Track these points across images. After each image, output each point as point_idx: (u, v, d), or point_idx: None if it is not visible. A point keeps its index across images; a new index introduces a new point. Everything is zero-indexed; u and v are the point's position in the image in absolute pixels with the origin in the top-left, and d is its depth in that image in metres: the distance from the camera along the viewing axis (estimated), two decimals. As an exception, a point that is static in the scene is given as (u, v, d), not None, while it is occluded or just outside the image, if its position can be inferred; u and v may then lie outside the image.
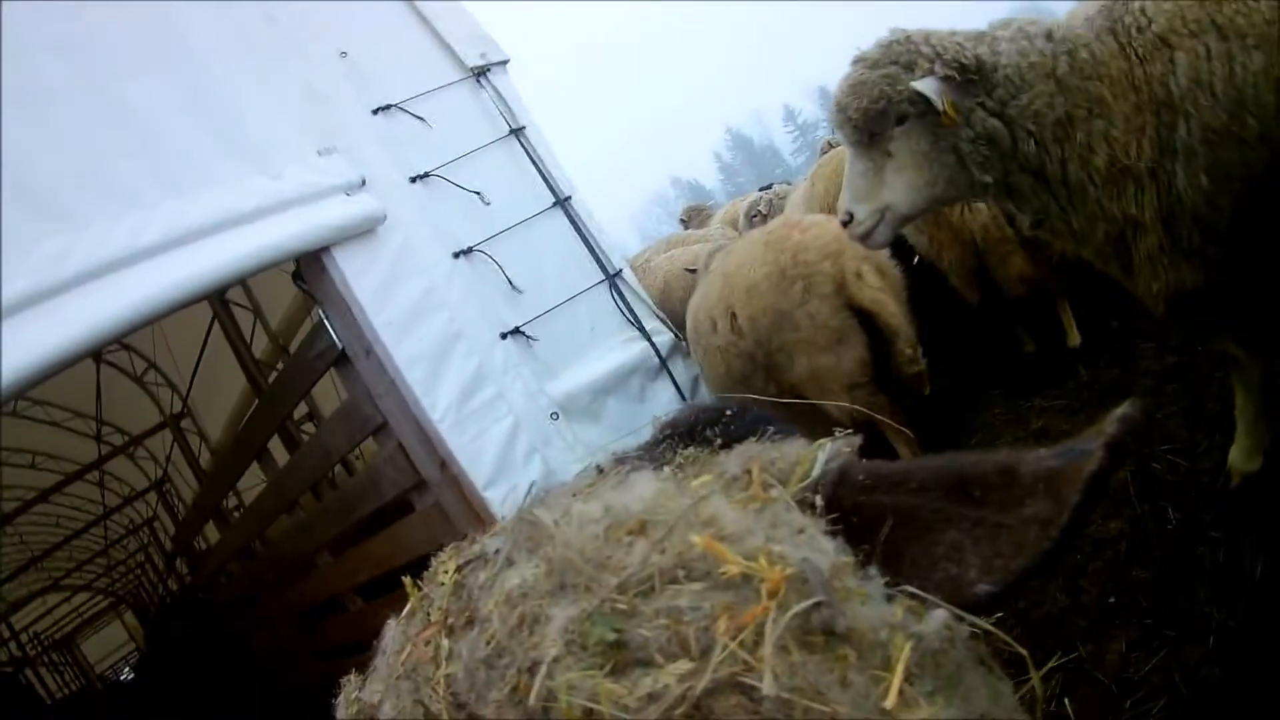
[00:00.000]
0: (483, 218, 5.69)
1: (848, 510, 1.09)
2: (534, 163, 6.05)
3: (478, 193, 5.69)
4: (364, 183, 5.36)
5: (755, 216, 6.61)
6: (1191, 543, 3.69)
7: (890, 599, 0.97)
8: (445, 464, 5.13)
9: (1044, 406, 5.39)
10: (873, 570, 0.99)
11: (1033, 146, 3.13)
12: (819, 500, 1.10)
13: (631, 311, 5.85)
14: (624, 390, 5.76)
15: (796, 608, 0.89)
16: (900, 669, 0.87)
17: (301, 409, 8.63)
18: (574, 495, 1.17)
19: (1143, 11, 3.14)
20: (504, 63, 6.28)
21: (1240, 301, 3.26)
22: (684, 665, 0.86)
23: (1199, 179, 3.02)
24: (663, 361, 5.89)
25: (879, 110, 3.22)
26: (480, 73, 6.14)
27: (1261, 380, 3.60)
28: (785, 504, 1.06)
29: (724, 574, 0.92)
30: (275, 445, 8.33)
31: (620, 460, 1.43)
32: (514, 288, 5.58)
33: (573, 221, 6.01)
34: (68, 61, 4.75)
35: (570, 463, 5.25)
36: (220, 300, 8.17)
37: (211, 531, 12.31)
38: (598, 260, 5.97)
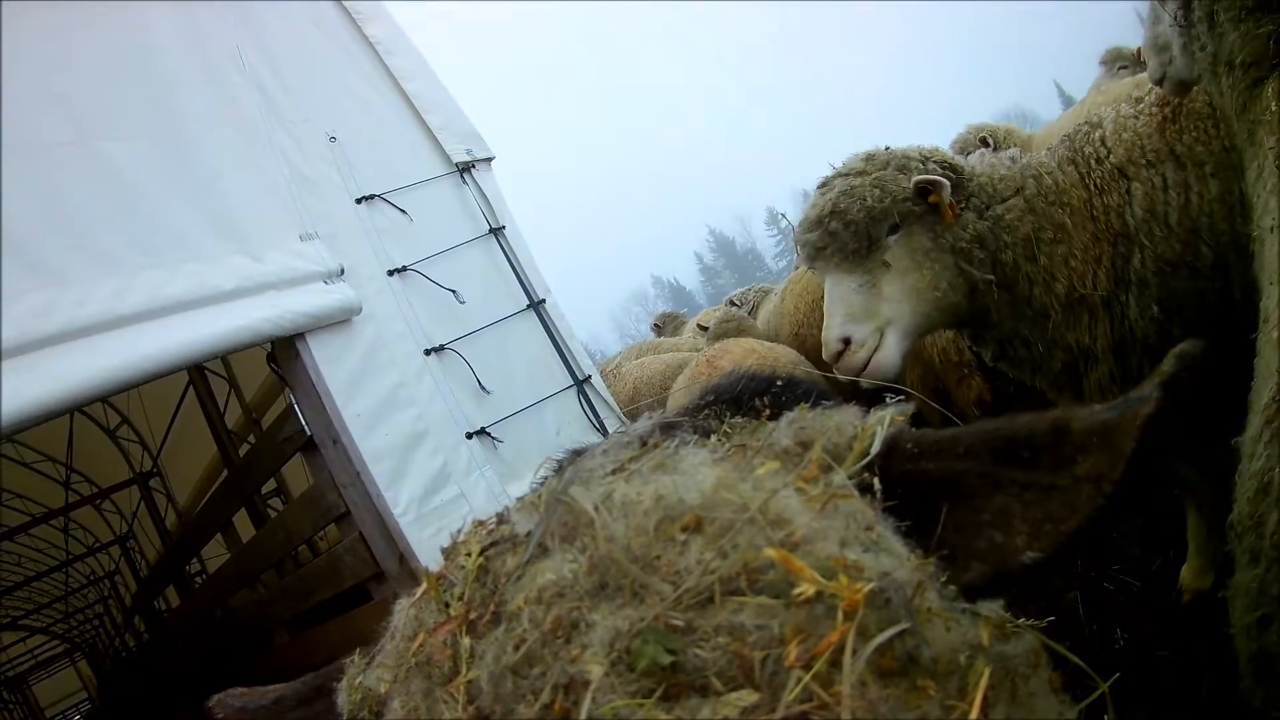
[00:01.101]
0: (457, 315, 5.71)
1: (894, 480, 1.02)
2: (511, 263, 6.10)
3: (454, 290, 5.72)
4: (343, 272, 5.40)
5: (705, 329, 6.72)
6: (1139, 662, 3.70)
7: (975, 617, 0.89)
8: (404, 558, 5.10)
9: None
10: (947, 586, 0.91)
11: (1010, 256, 3.17)
12: (877, 482, 1.02)
13: (598, 418, 5.86)
14: (588, 496, 5.69)
15: (879, 638, 0.79)
16: (979, 699, 0.79)
17: (270, 484, 8.59)
18: (614, 471, 1.04)
19: (1102, 142, 3.24)
20: (489, 160, 6.38)
21: (1191, 428, 3.30)
22: (748, 696, 0.76)
23: (1151, 309, 3.08)
24: (628, 468, 5.84)
25: (880, 211, 3.13)
26: (465, 169, 6.22)
27: (1213, 500, 3.62)
28: (848, 491, 0.97)
29: (799, 594, 0.81)
30: (241, 518, 8.29)
31: (667, 426, 1.27)
32: (483, 388, 5.59)
33: (545, 325, 6.04)
34: (61, 115, 4.81)
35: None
36: (197, 368, 8.17)
37: (172, 593, 12.19)
38: (568, 365, 5.98)
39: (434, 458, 5.25)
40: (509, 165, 6.29)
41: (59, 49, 4.94)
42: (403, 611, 1.07)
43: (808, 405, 1.19)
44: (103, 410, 12.09)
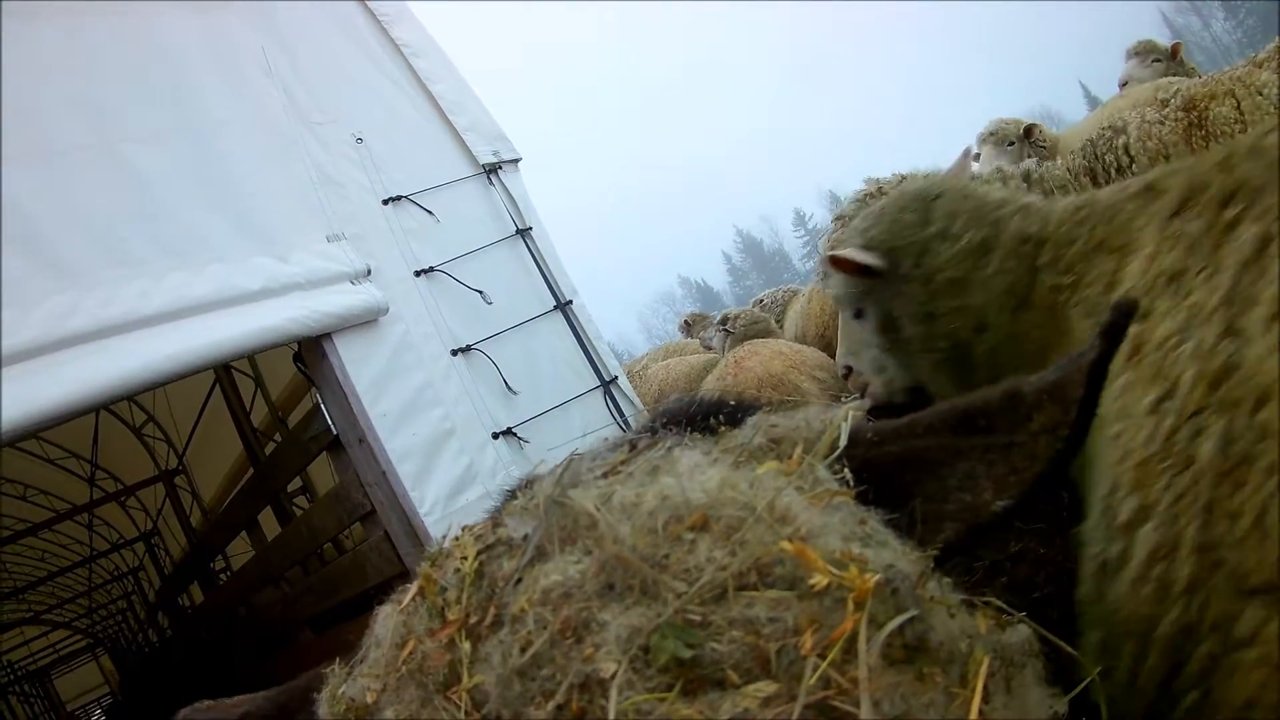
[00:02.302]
0: (483, 316, 5.75)
1: (860, 468, 1.07)
2: (538, 264, 6.13)
3: (480, 291, 5.75)
4: (369, 272, 5.44)
5: (722, 328, 6.67)
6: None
7: (973, 607, 0.93)
8: (431, 558, 5.13)
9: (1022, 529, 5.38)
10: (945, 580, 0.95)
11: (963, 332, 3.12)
12: (848, 472, 1.06)
13: (625, 419, 5.87)
14: (613, 496, 5.70)
15: (891, 624, 0.82)
16: (980, 686, 0.82)
17: (296, 481, 8.63)
18: (606, 475, 1.06)
19: (1126, 150, 3.25)
20: (516, 161, 6.40)
21: None
22: (767, 687, 0.77)
23: None
24: (653, 470, 5.85)
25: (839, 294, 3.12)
26: (492, 170, 6.25)
27: None
28: (845, 490, 1.02)
29: (812, 585, 0.83)
30: (266, 516, 8.33)
31: (651, 431, 1.29)
32: (509, 389, 5.61)
33: (572, 326, 6.07)
34: (81, 120, 4.86)
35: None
36: (224, 367, 8.22)
37: (196, 590, 12.26)
38: (594, 365, 6.01)
39: (460, 458, 5.28)
40: (535, 165, 6.29)
41: (82, 53, 5.01)
42: (388, 618, 1.06)
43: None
44: (128, 408, 12.17)
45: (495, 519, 1.09)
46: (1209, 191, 1.63)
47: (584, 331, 6.07)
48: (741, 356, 4.99)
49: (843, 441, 1.10)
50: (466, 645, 0.92)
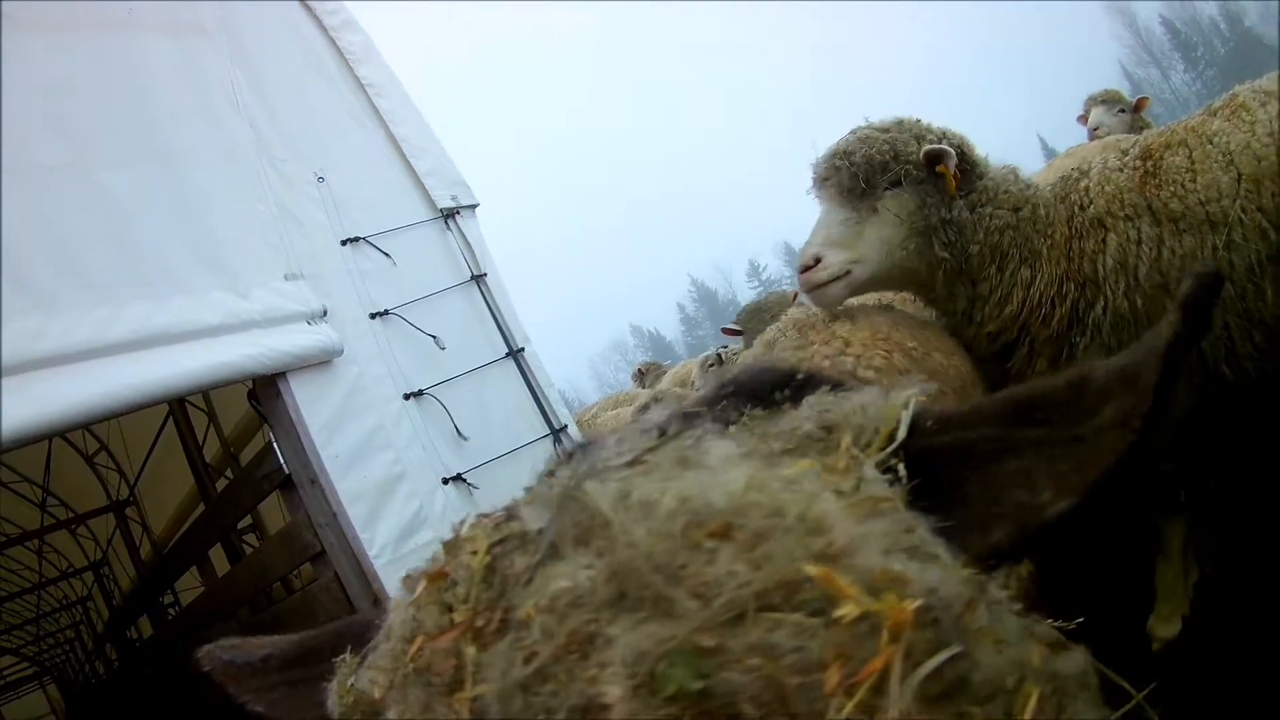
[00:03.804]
0: (436, 360, 5.78)
1: (913, 459, 0.96)
2: (491, 311, 6.18)
3: (434, 336, 5.79)
4: (325, 313, 5.46)
5: (710, 366, 6.72)
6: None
7: (1028, 634, 0.81)
8: (379, 599, 5.12)
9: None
10: (1001, 595, 0.83)
11: (977, 252, 3.42)
12: (902, 468, 0.95)
13: (573, 466, 5.90)
14: (563, 542, 5.72)
15: (928, 665, 0.72)
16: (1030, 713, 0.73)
17: (247, 519, 8.59)
18: (630, 464, 0.96)
19: (1086, 191, 3.43)
20: (473, 207, 6.46)
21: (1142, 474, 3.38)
22: None
23: (1097, 356, 3.18)
24: (602, 518, 5.88)
25: (882, 163, 3.37)
26: (450, 215, 6.31)
27: (1182, 545, 3.68)
28: (889, 495, 0.89)
29: (841, 615, 0.73)
30: (216, 552, 8.28)
31: (686, 416, 1.13)
32: (460, 435, 5.65)
33: (524, 373, 6.12)
34: (58, 140, 4.87)
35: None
36: (178, 400, 8.17)
37: (145, 623, 12.10)
38: (544, 413, 6.06)
39: (410, 501, 5.29)
40: (490, 209, 6.35)
41: (58, 73, 5.00)
42: (400, 609, 1.01)
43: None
44: (81, 436, 12.05)
45: (510, 509, 1.02)
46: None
47: (535, 379, 6.12)
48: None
49: (901, 433, 0.99)
50: (472, 650, 0.86)
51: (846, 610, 0.72)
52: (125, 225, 4.97)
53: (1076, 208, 3.45)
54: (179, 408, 8.30)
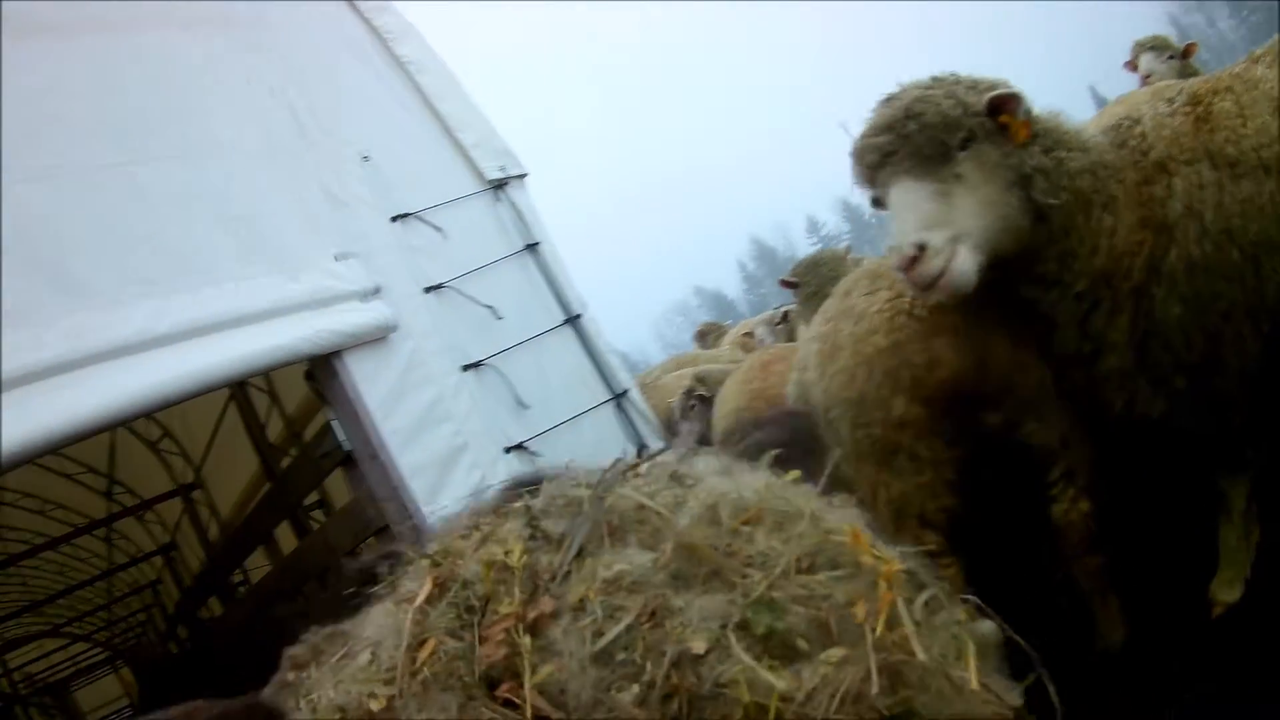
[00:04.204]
0: (493, 331, 5.81)
1: None
2: (546, 279, 6.18)
3: (490, 307, 5.81)
4: (378, 290, 5.50)
5: (778, 325, 6.66)
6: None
7: (955, 600, 1.08)
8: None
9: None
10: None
11: (1066, 200, 3.07)
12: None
13: (636, 432, 5.91)
14: (625, 508, 5.72)
15: (924, 595, 1.01)
16: (974, 659, 0.96)
17: (313, 495, 8.68)
18: (630, 484, 1.21)
19: (1143, 136, 3.23)
20: (522, 176, 6.44)
21: (1211, 431, 3.22)
22: (836, 652, 0.93)
23: (1175, 308, 3.06)
24: (665, 483, 5.86)
25: (954, 119, 3.00)
26: (499, 185, 6.30)
27: (1245, 507, 3.55)
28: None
29: (858, 566, 1.00)
30: (284, 529, 8.39)
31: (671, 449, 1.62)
32: (521, 403, 5.66)
33: (582, 339, 6.13)
34: (92, 141, 4.93)
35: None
36: (238, 383, 8.27)
37: (216, 603, 12.31)
38: (605, 379, 6.07)
39: (472, 472, 5.32)
40: (546, 173, 6.33)
41: (92, 74, 5.08)
42: (387, 617, 1.10)
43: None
44: (144, 423, 12.23)
45: (532, 519, 1.18)
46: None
47: (594, 345, 6.14)
48: (769, 360, 4.95)
49: None
50: (526, 640, 0.98)
51: (865, 562, 1.00)
52: (168, 219, 5.04)
53: (1138, 153, 3.25)
54: (240, 391, 8.40)
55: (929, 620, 0.98)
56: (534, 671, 0.93)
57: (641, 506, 1.11)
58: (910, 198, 3.02)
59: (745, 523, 1.05)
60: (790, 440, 2.19)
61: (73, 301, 4.50)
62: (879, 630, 0.92)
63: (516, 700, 0.93)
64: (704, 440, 5.69)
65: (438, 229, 5.91)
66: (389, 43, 6.47)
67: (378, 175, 5.97)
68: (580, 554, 1.03)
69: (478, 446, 5.42)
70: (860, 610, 0.94)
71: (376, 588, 1.80)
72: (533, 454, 5.55)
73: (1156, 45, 7.44)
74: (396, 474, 5.18)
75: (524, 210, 6.32)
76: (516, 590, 1.02)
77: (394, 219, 5.88)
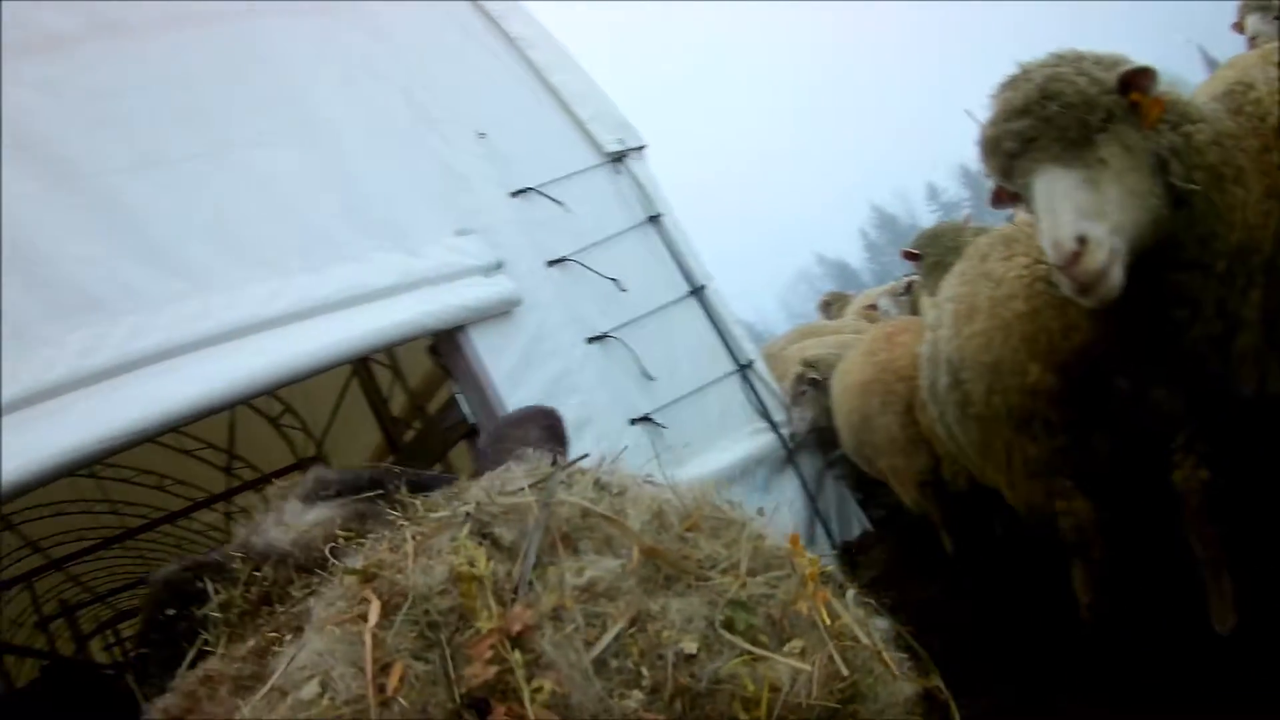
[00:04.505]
0: (617, 303, 5.82)
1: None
2: (670, 250, 6.17)
3: (614, 279, 5.82)
4: (501, 265, 5.55)
5: (901, 295, 6.56)
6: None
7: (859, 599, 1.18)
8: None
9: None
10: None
11: (1201, 178, 2.86)
12: None
13: (762, 403, 5.87)
14: (749, 480, 5.77)
15: (850, 591, 1.13)
16: (887, 656, 1.05)
17: (436, 468, 8.82)
18: (572, 490, 1.24)
19: (1258, 103, 3.03)
20: (641, 148, 6.42)
21: None
22: (797, 643, 0.99)
23: None
24: (790, 454, 5.90)
25: (1093, 99, 2.76)
26: (618, 158, 6.29)
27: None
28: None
29: (792, 568, 1.09)
30: (406, 503, 8.54)
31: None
32: (647, 375, 5.67)
33: (706, 310, 6.10)
34: (194, 128, 5.06)
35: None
36: (360, 359, 8.43)
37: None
38: (730, 350, 6.03)
39: (597, 445, 5.30)
40: (665, 145, 6.32)
41: (190, 64, 5.21)
42: (328, 641, 0.98)
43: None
44: (266, 401, 12.54)
45: (483, 528, 1.13)
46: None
47: (718, 316, 6.10)
48: (893, 331, 4.86)
49: None
50: (517, 655, 0.92)
51: (801, 565, 1.10)
52: (281, 201, 5.16)
53: (1255, 119, 3.01)
54: (362, 366, 8.55)
55: (856, 612, 1.07)
56: (536, 688, 0.88)
57: (586, 513, 1.12)
58: (1060, 186, 2.79)
59: (689, 529, 1.10)
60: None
61: (190, 285, 4.63)
62: (828, 621, 0.98)
63: (529, 710, 0.88)
64: (816, 426, 5.73)
65: (558, 203, 5.92)
66: (498, 20, 6.51)
67: (495, 151, 6.02)
68: (549, 560, 1.03)
69: (603, 419, 5.45)
70: (804, 606, 1.00)
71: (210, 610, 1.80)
72: (659, 426, 5.56)
73: (1263, 5, 7.13)
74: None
75: (644, 182, 6.30)
76: (492, 602, 0.97)
77: (514, 194, 5.92)
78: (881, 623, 1.14)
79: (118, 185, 4.70)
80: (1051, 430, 3.28)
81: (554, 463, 1.38)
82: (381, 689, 0.91)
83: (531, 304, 5.52)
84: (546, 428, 2.49)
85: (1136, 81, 2.78)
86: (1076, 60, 2.89)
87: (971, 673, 3.90)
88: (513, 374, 5.34)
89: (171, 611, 1.89)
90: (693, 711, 0.90)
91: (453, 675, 0.95)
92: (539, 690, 0.89)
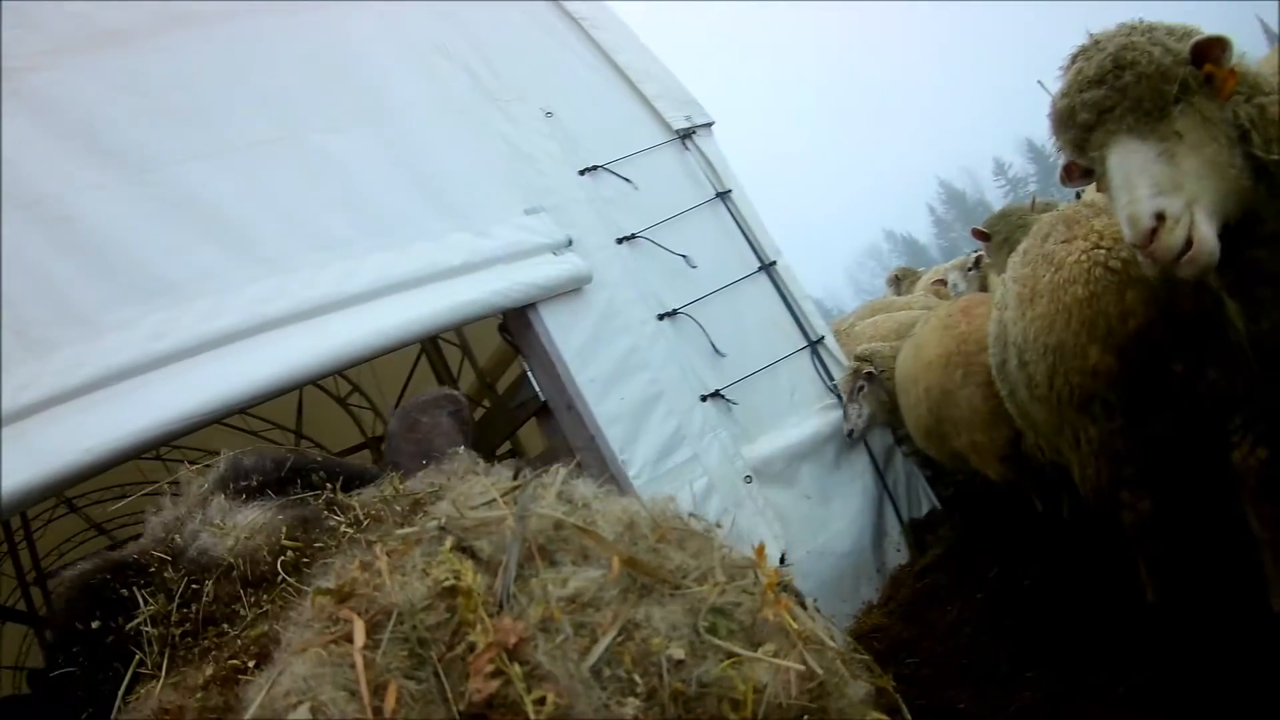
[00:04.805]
0: (687, 280, 5.83)
1: None
2: (739, 226, 6.16)
3: (684, 256, 5.83)
4: (570, 242, 5.58)
5: (970, 270, 6.51)
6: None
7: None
8: (640, 520, 5.22)
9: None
10: None
11: (1277, 149, 2.77)
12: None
13: (832, 379, 5.86)
14: (818, 457, 5.77)
15: (809, 601, 1.17)
16: (844, 648, 1.10)
17: (505, 445, 8.90)
18: (544, 502, 1.20)
19: None
20: (709, 125, 6.42)
21: None
22: (770, 647, 1.00)
23: None
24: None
25: (1168, 68, 2.70)
26: (686, 135, 6.30)
27: None
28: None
29: (756, 577, 1.11)
30: (473, 480, 8.63)
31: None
32: (717, 351, 5.68)
33: (776, 286, 6.09)
34: (265, 114, 5.16)
35: (760, 526, 5.31)
36: (429, 338, 8.53)
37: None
38: (800, 326, 6.02)
39: (668, 421, 5.37)
40: (732, 121, 6.30)
41: (259, 52, 5.31)
42: (310, 664, 0.95)
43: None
44: (333, 380, 12.71)
45: (461, 542, 1.11)
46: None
47: (788, 292, 6.09)
48: (969, 304, 4.81)
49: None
50: (516, 668, 0.90)
51: (766, 574, 1.12)
52: (351, 184, 5.22)
53: None
54: (431, 345, 8.65)
55: (816, 619, 1.10)
56: (538, 700, 0.87)
57: (559, 525, 1.10)
58: (1136, 160, 2.73)
59: (660, 540, 1.10)
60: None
61: (259, 269, 4.71)
62: (795, 627, 1.00)
63: None
64: (873, 422, 5.64)
65: (627, 180, 5.95)
66: (561, 2, 6.55)
67: (562, 130, 6.06)
68: (530, 572, 1.02)
69: (673, 395, 5.46)
70: (769, 614, 1.02)
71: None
72: (729, 401, 5.57)
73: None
74: (593, 422, 5.26)
75: (713, 158, 6.30)
76: (484, 615, 0.94)
77: (582, 172, 5.96)
78: (836, 631, 1.19)
79: (189, 172, 4.80)
80: (1110, 412, 3.33)
81: (518, 475, 1.34)
82: (377, 711, 0.89)
83: (601, 281, 5.55)
84: (454, 414, 2.38)
85: (1209, 52, 2.71)
86: (1149, 30, 2.83)
87: (1038, 648, 3.94)
88: (583, 351, 5.38)
89: (96, 623, 1.64)
90: (685, 715, 0.93)
91: (451, 692, 0.92)
92: (541, 702, 0.88)
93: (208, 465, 1.92)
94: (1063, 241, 3.43)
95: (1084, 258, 3.32)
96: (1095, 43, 2.87)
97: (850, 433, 5.70)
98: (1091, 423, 3.42)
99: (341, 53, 5.57)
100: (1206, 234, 2.63)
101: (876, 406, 5.53)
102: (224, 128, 4.99)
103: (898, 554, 5.76)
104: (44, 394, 4.09)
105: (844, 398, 5.76)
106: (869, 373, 5.53)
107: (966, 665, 4.18)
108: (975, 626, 4.45)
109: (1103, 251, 3.27)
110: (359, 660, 0.93)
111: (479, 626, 0.93)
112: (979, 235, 5.28)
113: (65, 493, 9.77)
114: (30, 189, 4.47)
